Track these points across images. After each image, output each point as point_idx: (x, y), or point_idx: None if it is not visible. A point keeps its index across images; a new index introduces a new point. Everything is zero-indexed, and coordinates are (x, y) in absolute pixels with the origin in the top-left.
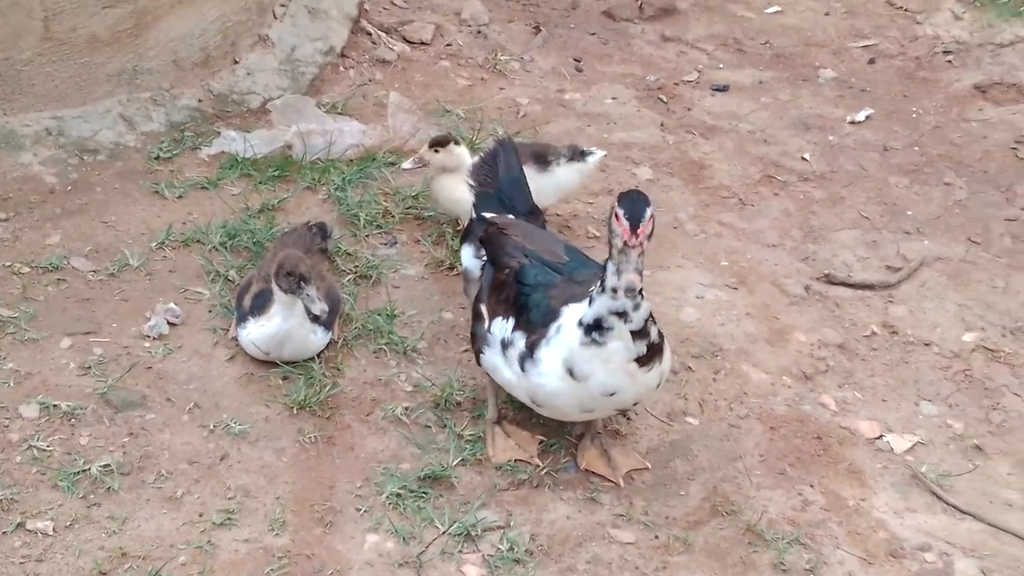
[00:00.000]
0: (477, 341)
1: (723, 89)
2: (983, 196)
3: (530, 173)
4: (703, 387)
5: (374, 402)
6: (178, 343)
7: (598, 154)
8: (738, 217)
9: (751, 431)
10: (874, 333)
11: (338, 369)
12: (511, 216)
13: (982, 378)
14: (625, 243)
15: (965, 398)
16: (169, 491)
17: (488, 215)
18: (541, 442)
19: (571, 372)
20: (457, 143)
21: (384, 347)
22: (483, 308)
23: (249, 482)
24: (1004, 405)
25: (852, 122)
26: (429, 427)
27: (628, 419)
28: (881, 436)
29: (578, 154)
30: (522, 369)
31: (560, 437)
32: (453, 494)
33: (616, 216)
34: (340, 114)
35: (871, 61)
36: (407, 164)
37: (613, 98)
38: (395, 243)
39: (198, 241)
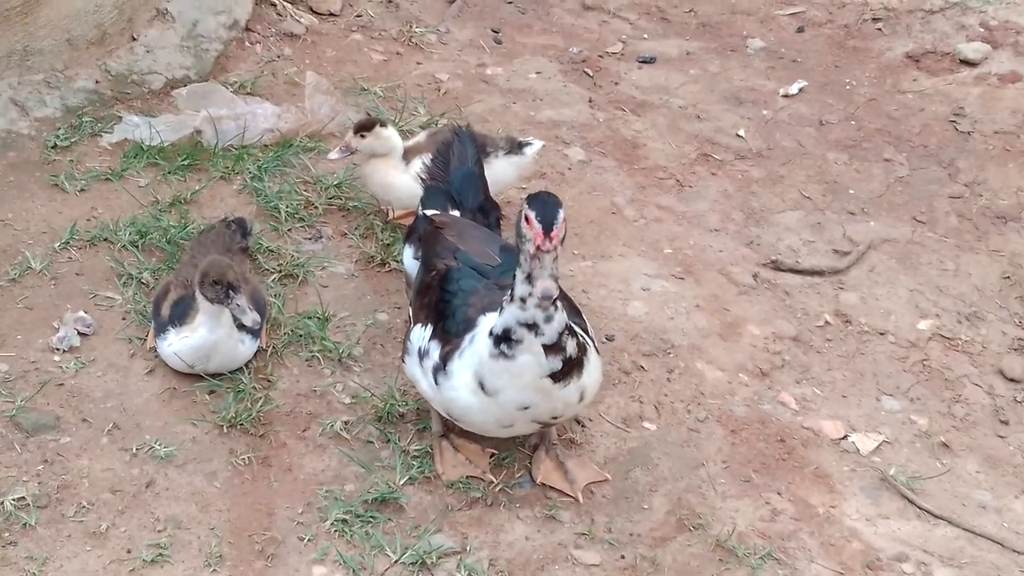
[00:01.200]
0: (403, 347)
1: (650, 61)
2: (925, 172)
3: None
4: (658, 388)
5: (310, 416)
6: (91, 356)
7: (536, 145)
8: (677, 200)
9: (712, 435)
10: (827, 323)
11: (269, 381)
12: (456, 213)
13: (941, 368)
14: (538, 247)
15: (926, 391)
16: (92, 525)
17: (430, 212)
18: (492, 455)
19: (482, 386)
20: (384, 125)
21: (317, 354)
22: (410, 311)
23: (180, 511)
24: (966, 397)
25: (785, 95)
26: (372, 443)
27: (583, 426)
28: (846, 436)
29: (516, 146)
30: (435, 382)
31: (512, 449)
32: (403, 517)
33: (527, 219)
34: (250, 94)
35: (800, 30)
36: (333, 154)
37: (537, 72)
38: (320, 237)
39: (105, 240)
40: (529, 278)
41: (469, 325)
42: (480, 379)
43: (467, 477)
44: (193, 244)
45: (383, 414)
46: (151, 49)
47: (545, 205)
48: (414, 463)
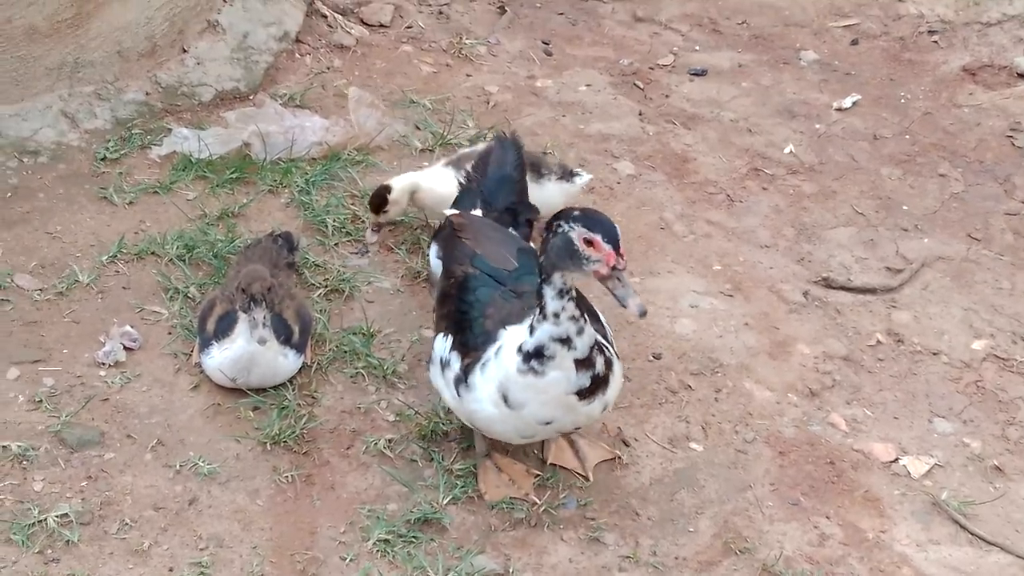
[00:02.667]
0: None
1: (701, 73)
2: (981, 188)
3: None
4: (705, 408)
5: (354, 434)
6: (136, 371)
7: (585, 178)
8: (727, 215)
9: (760, 456)
10: (879, 342)
11: (313, 397)
12: (479, 213)
13: (995, 390)
14: (614, 268)
15: (979, 412)
16: (135, 542)
17: (449, 212)
18: (537, 476)
19: (505, 399)
20: (389, 189)
21: (362, 371)
22: (436, 311)
23: (222, 530)
24: (1021, 420)
25: (839, 109)
26: (415, 461)
27: (628, 446)
28: (897, 459)
29: (567, 174)
30: (458, 393)
31: (556, 471)
32: (445, 537)
33: (591, 243)
34: (299, 107)
35: (854, 42)
36: (371, 237)
37: (587, 85)
38: (367, 252)
39: (153, 253)
40: (561, 293)
41: (488, 338)
42: (504, 393)
43: (511, 498)
44: (239, 258)
45: (427, 432)
46: (201, 61)
47: (604, 223)
48: (457, 482)
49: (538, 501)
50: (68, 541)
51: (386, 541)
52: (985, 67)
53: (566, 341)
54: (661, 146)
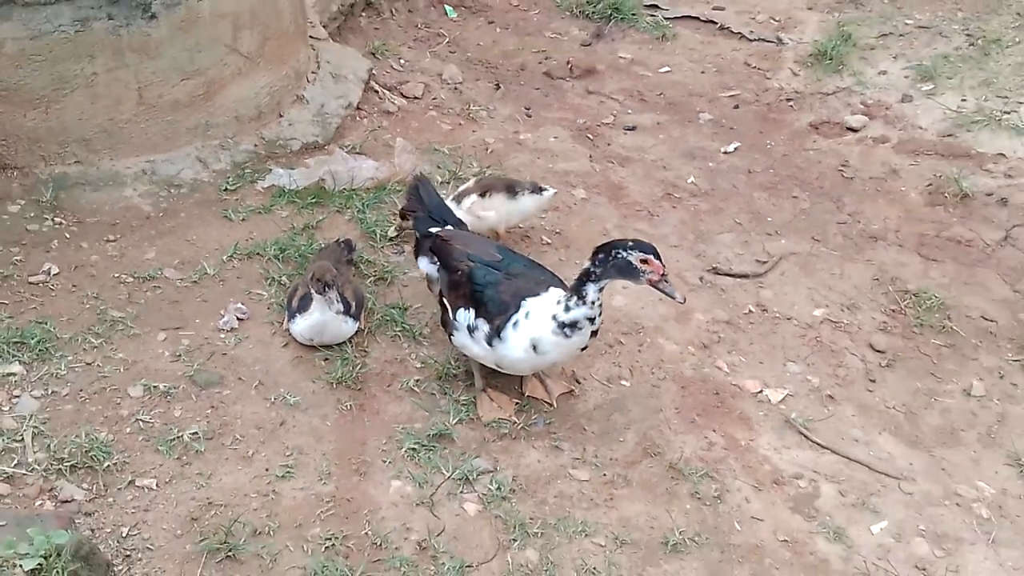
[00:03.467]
0: (447, 326)
1: (632, 129)
2: (821, 206)
3: (502, 200)
4: (631, 357)
5: (393, 376)
6: (245, 334)
7: (551, 191)
8: (648, 225)
9: (668, 390)
10: (751, 311)
11: (365, 351)
12: (449, 227)
13: (829, 343)
14: (663, 275)
15: (818, 359)
16: (243, 452)
17: (433, 230)
18: (517, 403)
19: (535, 348)
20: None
21: (399, 333)
22: (446, 302)
23: (302, 443)
24: (846, 363)
25: (725, 152)
26: (434, 395)
27: (580, 383)
28: (761, 391)
29: (537, 189)
30: (490, 344)
31: (530, 400)
32: (454, 447)
33: (646, 261)
34: (359, 153)
35: (736, 107)
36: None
37: (554, 137)
38: (402, 252)
39: (258, 254)
40: (600, 289)
41: (507, 307)
42: (535, 344)
43: (499, 419)
44: (315, 256)
45: (442, 374)
46: (292, 123)
47: (651, 248)
48: (463, 409)
49: (517, 421)
50: (197, 451)
51: (413, 449)
52: (824, 123)
53: (592, 319)
54: (604, 179)
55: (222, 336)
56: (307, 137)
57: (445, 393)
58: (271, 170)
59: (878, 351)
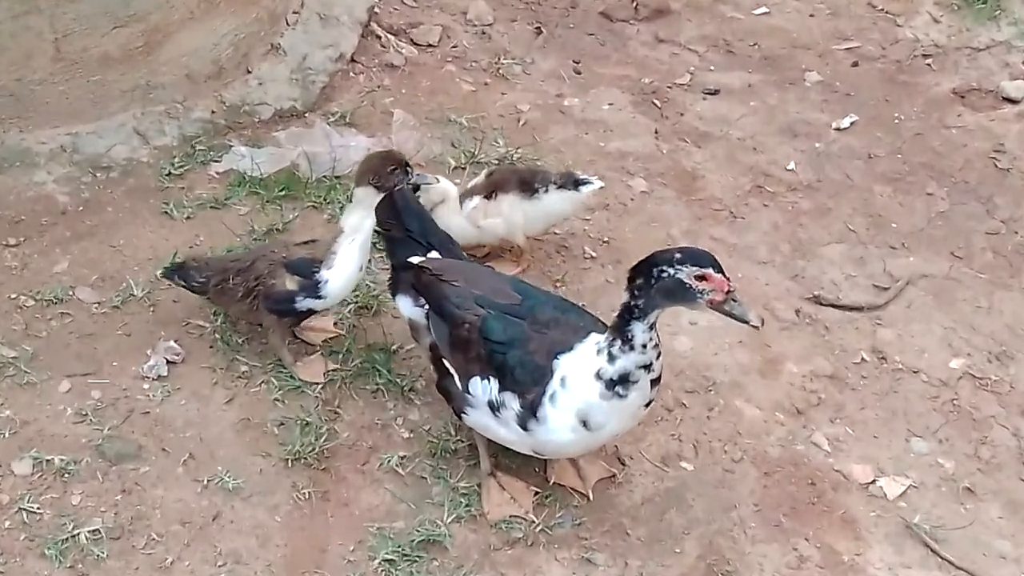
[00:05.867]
0: (454, 400)
1: (714, 93)
2: (964, 208)
3: (516, 200)
4: (698, 426)
5: (370, 450)
6: (177, 384)
7: (594, 185)
8: (729, 231)
9: (746, 476)
10: (863, 360)
11: (335, 413)
12: (434, 254)
13: (970, 408)
14: (728, 292)
15: (954, 431)
16: (159, 558)
17: (413, 259)
18: (536, 494)
19: (585, 424)
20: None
21: (382, 387)
22: (448, 365)
23: (240, 546)
24: (992, 439)
25: (837, 128)
26: (424, 478)
27: (624, 465)
28: (874, 480)
29: (571, 182)
30: (524, 428)
31: (555, 487)
32: (446, 556)
33: (703, 277)
34: (348, 125)
35: (854, 64)
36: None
37: (609, 104)
38: None
39: None
40: (651, 327)
41: (543, 372)
42: (584, 418)
43: (510, 517)
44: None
45: (437, 450)
46: (263, 81)
47: (706, 256)
48: (462, 500)
49: (535, 520)
50: (97, 557)
51: (390, 561)
52: (973, 90)
53: (648, 366)
54: (673, 163)
55: (145, 387)
56: (282, 101)
57: (439, 477)
58: (230, 147)
59: None
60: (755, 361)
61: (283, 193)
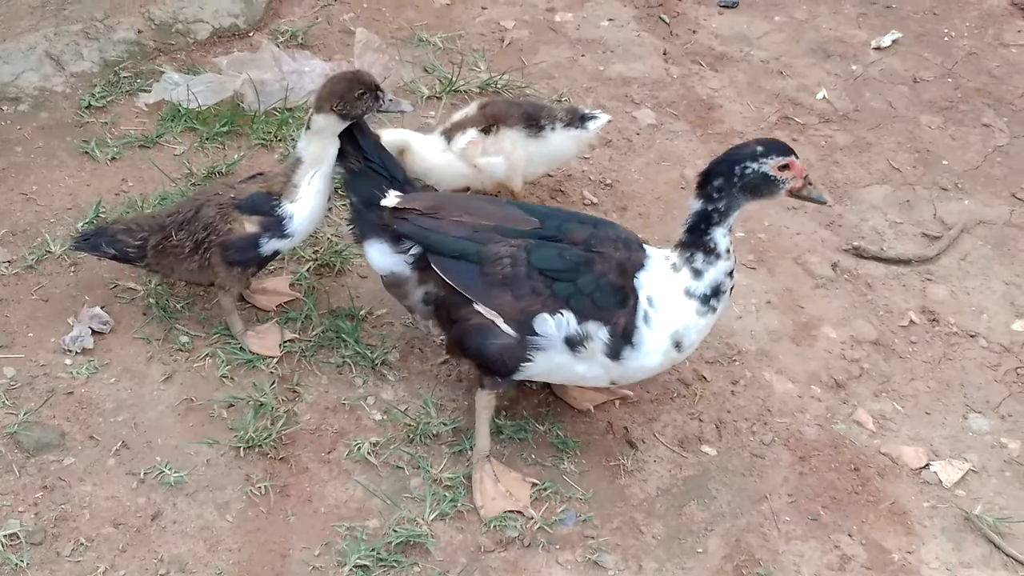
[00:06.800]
0: (500, 352)
1: (732, 5)
2: None
3: (519, 138)
4: (720, 403)
5: (337, 436)
6: (104, 359)
7: (601, 119)
8: None
9: (778, 462)
10: (912, 322)
11: (295, 391)
12: (395, 193)
13: None
14: (806, 177)
15: (1019, 405)
16: (89, 566)
17: (391, 198)
18: (534, 486)
19: (678, 345)
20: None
21: (349, 360)
22: (484, 310)
23: (185, 550)
24: None
25: (877, 48)
26: (401, 468)
27: (636, 449)
28: (927, 465)
29: (577, 119)
30: (616, 358)
31: (556, 477)
32: (429, 561)
33: (785, 167)
34: (300, 46)
35: None
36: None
37: (610, 19)
38: None
39: None
40: (729, 230)
41: (625, 294)
42: (679, 340)
43: (506, 512)
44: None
45: (415, 435)
46: None
47: (784, 146)
48: (446, 494)
49: (534, 516)
50: (16, 565)
51: (364, 567)
52: None
53: (731, 272)
54: (685, 91)
55: (68, 363)
56: (221, 19)
57: (419, 466)
58: (162, 74)
59: None
60: (786, 325)
61: (226, 129)
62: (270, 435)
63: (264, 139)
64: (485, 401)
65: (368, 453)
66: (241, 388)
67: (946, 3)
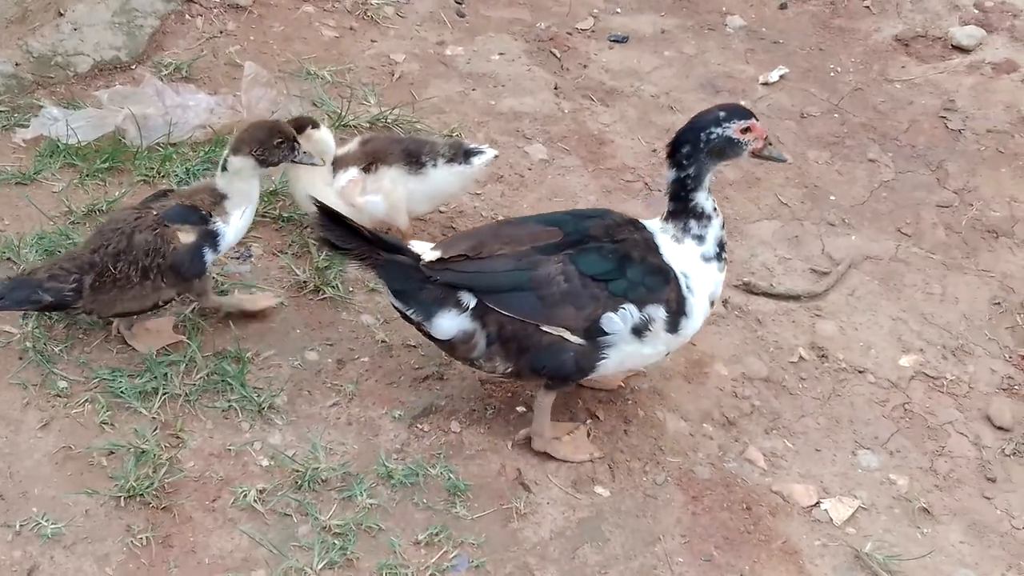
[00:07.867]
0: (575, 359)
1: (622, 40)
2: (912, 176)
3: (399, 175)
4: (613, 443)
5: (222, 483)
6: None
7: (487, 155)
8: (644, 207)
9: (671, 502)
10: (802, 359)
11: (178, 437)
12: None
13: (924, 414)
14: (766, 138)
15: (907, 441)
16: None
17: (429, 255)
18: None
19: (712, 303)
20: (316, 126)
21: (235, 405)
22: (552, 329)
23: None
24: (950, 449)
25: (765, 83)
26: (288, 515)
27: (529, 491)
28: (818, 503)
29: (461, 154)
30: (675, 330)
31: (448, 521)
32: None
33: (747, 129)
34: (185, 79)
35: (782, 6)
36: None
37: (500, 53)
38: (249, 256)
39: (8, 259)
40: (709, 191)
41: (666, 271)
42: (713, 298)
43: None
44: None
45: (303, 481)
46: (79, 27)
47: (743, 109)
48: (335, 542)
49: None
50: None
51: None
52: (919, 37)
53: (723, 224)
54: (577, 126)
55: None
56: (103, 51)
57: (307, 514)
58: (41, 108)
59: (1000, 428)
60: (678, 363)
61: (107, 165)
62: (152, 483)
63: (147, 175)
64: (549, 399)
65: (254, 501)
66: (122, 435)
67: (832, 39)
